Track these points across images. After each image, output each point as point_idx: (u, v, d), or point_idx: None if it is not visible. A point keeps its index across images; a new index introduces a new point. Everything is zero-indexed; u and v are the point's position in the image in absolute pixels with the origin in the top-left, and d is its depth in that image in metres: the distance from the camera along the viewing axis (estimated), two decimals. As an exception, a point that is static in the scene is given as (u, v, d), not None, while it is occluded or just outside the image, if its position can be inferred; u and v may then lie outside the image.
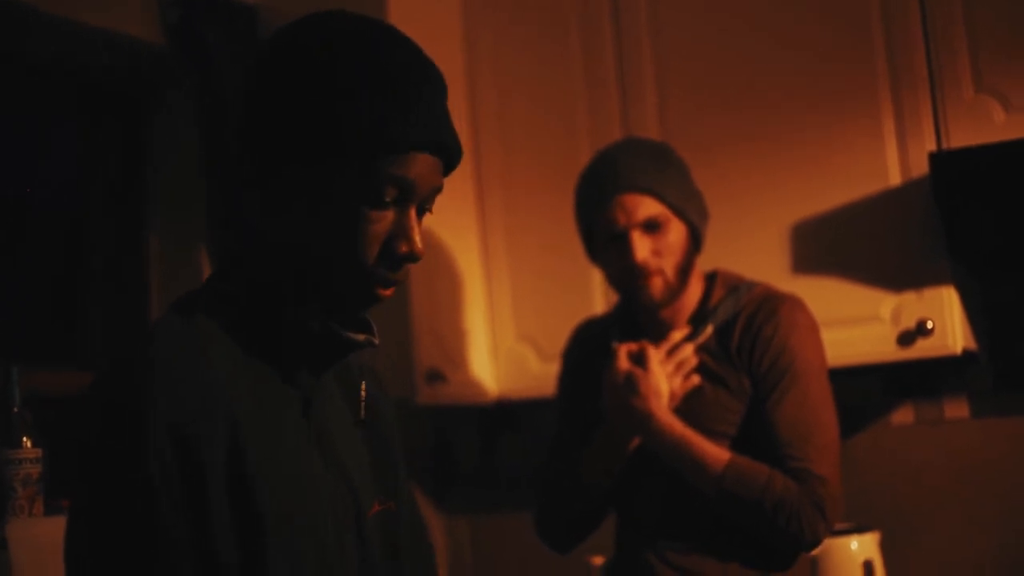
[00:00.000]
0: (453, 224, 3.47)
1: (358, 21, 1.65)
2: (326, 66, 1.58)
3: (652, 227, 2.67)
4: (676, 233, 2.69)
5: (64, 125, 3.36)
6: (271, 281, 1.65)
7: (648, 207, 2.66)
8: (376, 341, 1.70)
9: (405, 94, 1.58)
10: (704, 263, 2.80)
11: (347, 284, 1.63)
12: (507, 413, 3.74)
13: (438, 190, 1.66)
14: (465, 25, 3.63)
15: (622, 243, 2.67)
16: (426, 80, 1.63)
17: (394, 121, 1.56)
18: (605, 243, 2.72)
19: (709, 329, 2.71)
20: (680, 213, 2.69)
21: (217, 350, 1.59)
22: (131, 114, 3.45)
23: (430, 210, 1.68)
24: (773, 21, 3.22)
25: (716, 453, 2.59)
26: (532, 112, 3.54)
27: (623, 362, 2.67)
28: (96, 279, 3.35)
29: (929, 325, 2.99)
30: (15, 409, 2.56)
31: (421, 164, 1.60)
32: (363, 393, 1.80)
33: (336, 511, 1.67)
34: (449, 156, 1.66)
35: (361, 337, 1.68)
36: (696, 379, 2.68)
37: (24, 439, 2.54)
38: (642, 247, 2.65)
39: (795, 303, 2.73)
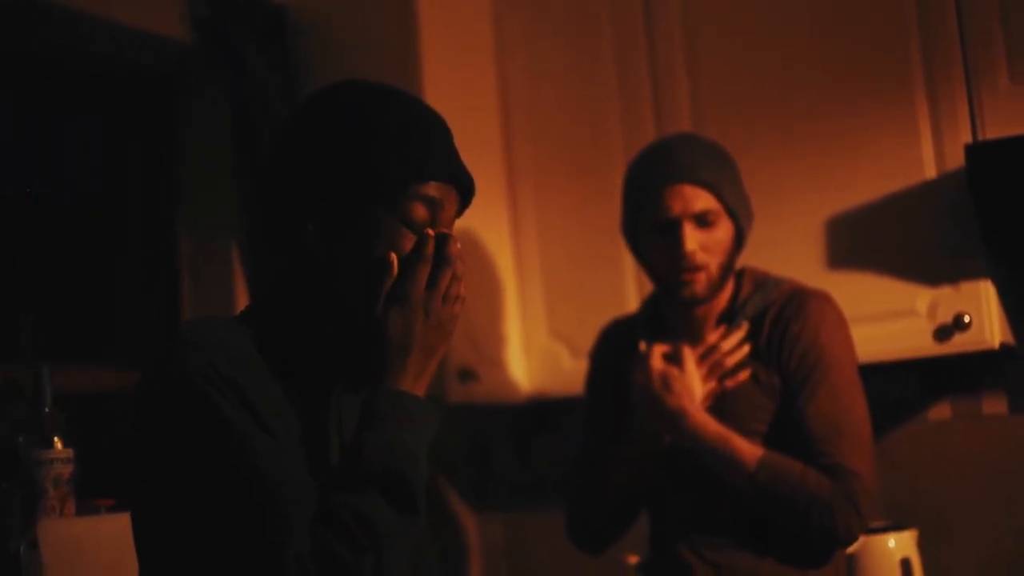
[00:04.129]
0: (485, 222, 3.45)
1: (387, 89, 1.84)
2: (354, 121, 1.77)
3: (704, 221, 2.65)
4: (724, 231, 2.68)
5: (94, 122, 3.37)
6: (307, 307, 1.78)
7: (704, 200, 2.65)
8: None
9: (429, 137, 1.79)
10: (739, 258, 2.78)
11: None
12: (541, 411, 3.72)
13: (456, 216, 1.84)
14: (497, 25, 3.61)
15: (672, 232, 2.65)
16: (442, 128, 1.83)
17: (420, 156, 1.76)
18: (652, 231, 2.70)
19: (745, 325, 2.68)
20: (731, 212, 2.68)
21: (248, 346, 1.72)
22: (162, 111, 3.46)
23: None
24: (806, 13, 3.19)
25: (749, 450, 2.58)
26: (564, 110, 3.53)
27: (657, 361, 2.65)
28: (127, 277, 3.36)
29: (966, 319, 2.95)
30: (47, 409, 2.56)
31: (441, 189, 1.78)
32: None
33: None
34: (461, 185, 1.83)
35: None
36: (744, 375, 2.66)
37: (55, 439, 2.53)
38: (692, 239, 2.64)
39: (822, 298, 2.71)
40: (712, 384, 2.66)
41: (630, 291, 3.30)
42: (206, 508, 1.61)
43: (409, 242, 1.75)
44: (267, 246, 1.87)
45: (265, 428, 1.63)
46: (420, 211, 1.76)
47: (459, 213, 1.85)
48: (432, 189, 1.77)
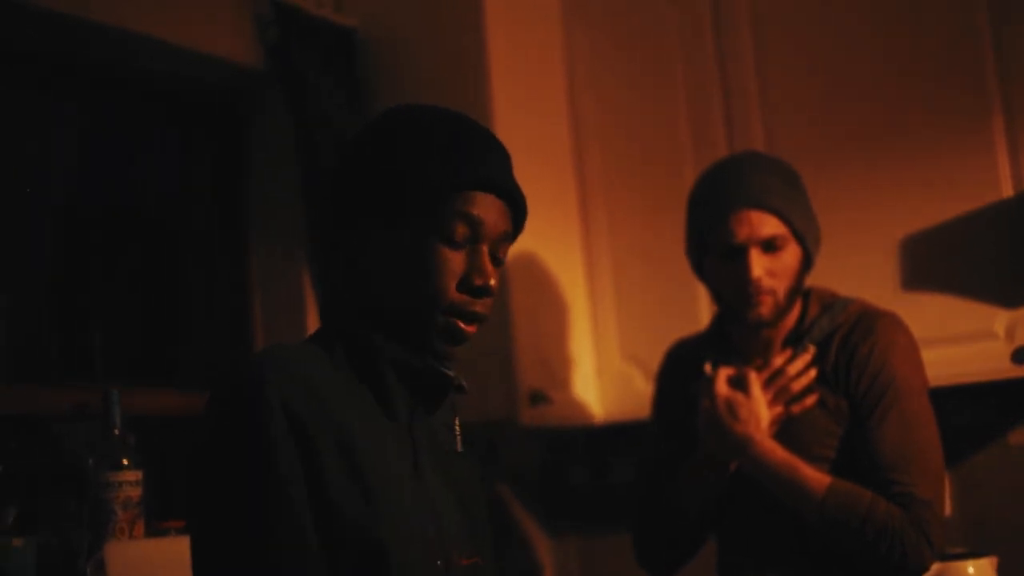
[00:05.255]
0: (557, 244, 3.44)
1: (436, 108, 1.85)
2: (399, 133, 1.79)
3: (771, 247, 2.61)
4: (792, 256, 2.63)
5: (167, 145, 3.40)
6: (368, 325, 1.78)
7: (772, 226, 2.60)
8: (465, 386, 1.85)
9: (468, 147, 1.78)
10: (811, 278, 2.73)
11: (430, 321, 1.76)
12: (618, 433, 3.69)
13: (508, 236, 1.82)
14: (566, 44, 3.61)
15: (739, 258, 2.61)
16: (489, 143, 1.82)
17: (456, 163, 1.76)
18: (718, 255, 2.66)
19: (812, 349, 2.64)
20: (799, 236, 2.63)
21: (323, 372, 1.72)
22: (232, 134, 3.49)
23: (503, 259, 1.83)
24: (881, 30, 3.15)
25: (817, 478, 2.52)
26: (635, 130, 3.51)
27: (722, 386, 2.61)
28: (198, 298, 3.38)
29: (1046, 341, 2.89)
30: (116, 431, 2.58)
31: (485, 203, 1.78)
32: (457, 428, 1.91)
33: (429, 547, 1.73)
34: (513, 202, 1.82)
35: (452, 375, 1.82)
36: (811, 400, 2.61)
37: (125, 461, 2.55)
38: (759, 265, 2.59)
39: (892, 320, 2.65)
40: (778, 409, 2.61)
41: (703, 312, 3.27)
42: (232, 552, 1.61)
43: (454, 260, 1.76)
44: (329, 267, 1.87)
45: (320, 481, 1.63)
46: (461, 229, 1.76)
47: (514, 233, 1.84)
48: (471, 206, 1.76)
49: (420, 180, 1.74)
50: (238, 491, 1.61)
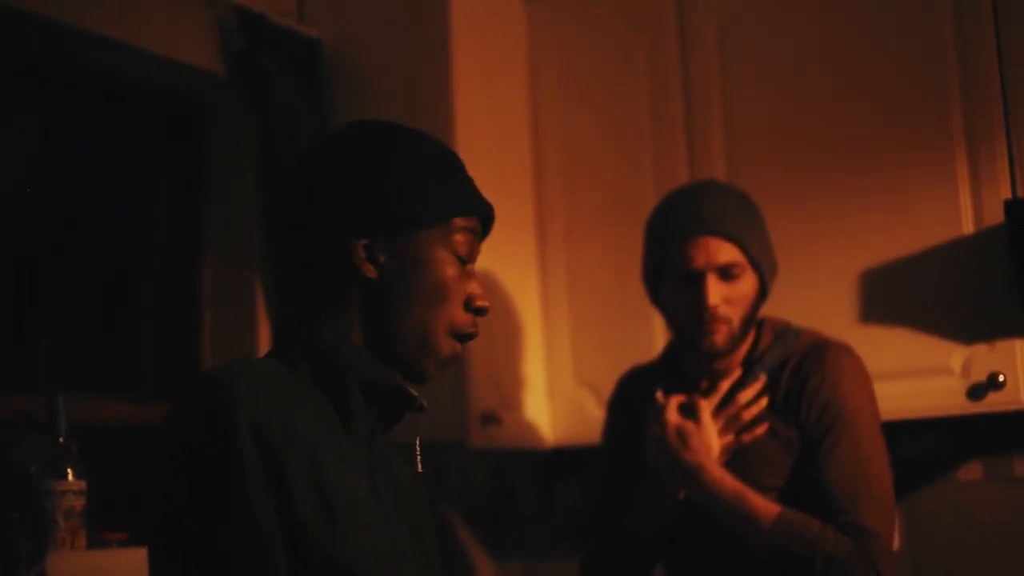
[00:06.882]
0: (513, 265, 3.42)
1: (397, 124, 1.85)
2: (394, 154, 1.77)
3: (728, 274, 2.60)
4: (748, 284, 2.63)
5: (124, 150, 3.36)
6: (338, 346, 1.74)
7: (729, 253, 2.60)
8: (425, 405, 1.79)
9: (463, 173, 1.83)
10: (769, 309, 2.73)
11: (438, 344, 1.76)
12: (566, 457, 3.67)
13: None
14: (530, 63, 3.60)
15: (695, 285, 2.60)
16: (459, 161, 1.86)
17: (466, 192, 1.81)
18: (675, 281, 2.64)
19: (763, 377, 2.63)
20: (756, 265, 2.63)
21: (289, 389, 1.68)
22: (192, 141, 3.45)
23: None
24: (845, 63, 3.16)
25: (766, 507, 2.51)
26: (596, 154, 3.50)
27: (672, 415, 2.60)
28: (149, 307, 3.34)
29: (1000, 378, 2.89)
30: (60, 439, 2.54)
31: (474, 225, 1.80)
32: (418, 448, 1.87)
33: (386, 569, 1.70)
34: (488, 219, 1.85)
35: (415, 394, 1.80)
36: (762, 429, 2.60)
37: (68, 470, 2.51)
38: (716, 292, 2.58)
39: (843, 350, 2.65)
40: (729, 438, 2.60)
41: (658, 339, 3.25)
42: (193, 573, 1.58)
43: (462, 283, 1.78)
44: (300, 279, 1.80)
45: (289, 503, 1.59)
46: (463, 252, 1.78)
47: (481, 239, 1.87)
48: (471, 231, 1.79)
49: (430, 209, 1.75)
50: (204, 513, 1.57)
